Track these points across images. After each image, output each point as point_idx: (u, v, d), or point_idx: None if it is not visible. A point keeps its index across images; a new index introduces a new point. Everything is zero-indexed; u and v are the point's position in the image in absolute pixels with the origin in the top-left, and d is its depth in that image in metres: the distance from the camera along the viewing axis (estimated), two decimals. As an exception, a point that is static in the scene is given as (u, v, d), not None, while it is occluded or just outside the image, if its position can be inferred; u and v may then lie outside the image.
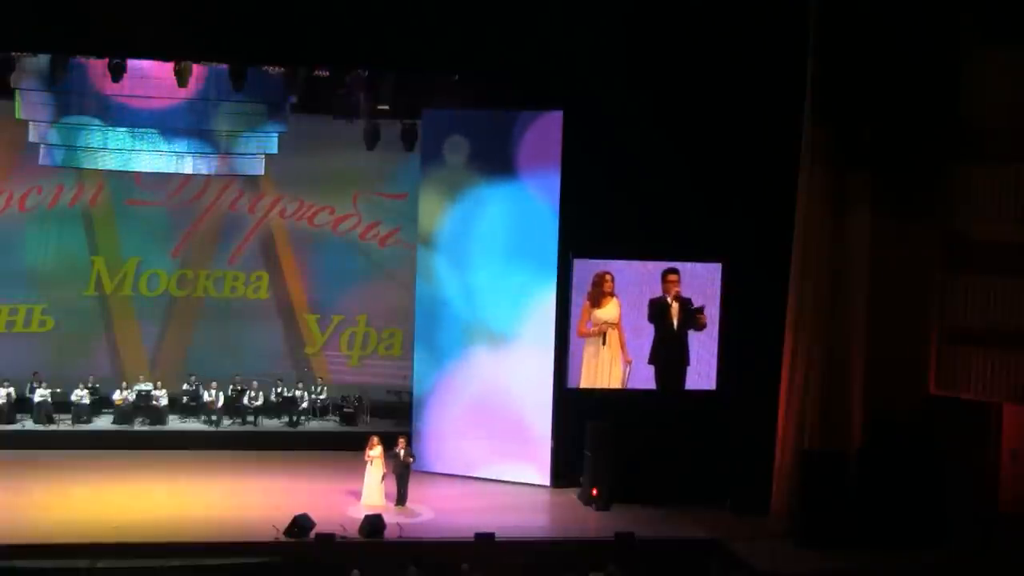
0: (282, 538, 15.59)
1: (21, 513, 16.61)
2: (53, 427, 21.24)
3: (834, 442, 16.78)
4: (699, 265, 18.70)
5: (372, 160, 22.47)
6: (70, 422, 21.39)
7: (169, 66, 19.27)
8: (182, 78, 19.19)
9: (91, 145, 20.83)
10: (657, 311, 18.79)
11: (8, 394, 21.31)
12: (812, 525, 16.38)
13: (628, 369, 18.86)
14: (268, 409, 22.38)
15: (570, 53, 17.89)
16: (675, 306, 18.78)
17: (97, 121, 20.66)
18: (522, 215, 19.34)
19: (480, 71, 19.05)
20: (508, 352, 19.49)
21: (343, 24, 17.79)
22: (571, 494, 18.81)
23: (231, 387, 22.14)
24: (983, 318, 16.01)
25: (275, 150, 21.40)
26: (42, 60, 19.41)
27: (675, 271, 18.74)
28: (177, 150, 21.00)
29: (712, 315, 18.74)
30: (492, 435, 19.56)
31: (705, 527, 16.98)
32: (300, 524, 15.74)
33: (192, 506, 17.38)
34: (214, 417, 21.93)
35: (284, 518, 15.88)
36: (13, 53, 18.96)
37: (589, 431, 18.39)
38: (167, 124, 20.74)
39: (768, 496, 17.27)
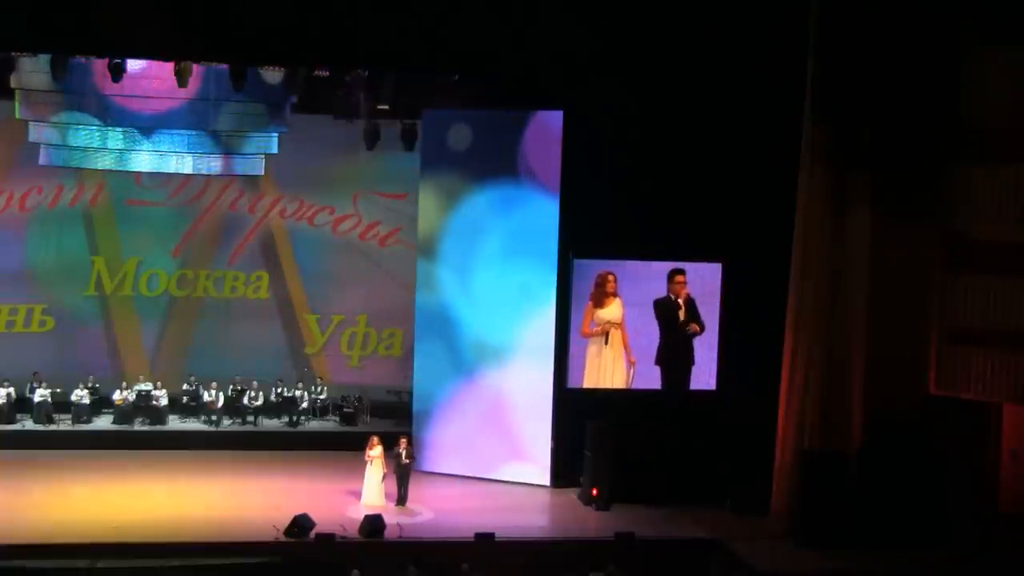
0: (282, 538, 15.58)
1: (21, 513, 16.61)
2: (53, 427, 21.23)
3: (834, 442, 16.78)
4: (700, 265, 18.71)
5: (372, 160, 22.49)
6: (70, 422, 21.38)
7: (169, 66, 19.28)
8: (182, 78, 19.21)
9: (91, 145, 20.89)
10: (663, 312, 18.79)
11: (8, 394, 21.30)
12: (812, 525, 16.37)
13: (632, 370, 18.87)
14: (268, 409, 22.37)
15: (570, 53, 17.90)
16: (683, 307, 18.78)
17: (97, 121, 20.72)
18: (522, 215, 19.33)
19: (480, 71, 19.06)
20: (508, 353, 19.47)
21: (343, 24, 17.80)
22: (571, 494, 18.80)
23: (231, 387, 22.14)
24: (983, 318, 16.00)
25: (275, 150, 21.46)
26: (42, 60, 19.41)
27: (682, 271, 18.74)
28: (177, 150, 21.05)
29: (712, 315, 18.74)
30: (492, 435, 19.55)
31: (705, 527, 16.98)
32: (300, 524, 15.74)
33: (192, 506, 17.37)
34: (214, 417, 21.92)
35: (284, 518, 15.87)
36: (13, 53, 18.97)
37: (589, 431, 18.39)
38: (167, 124, 20.80)
39: (768, 496, 17.27)
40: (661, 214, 18.27)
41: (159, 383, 22.02)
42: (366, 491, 17.56)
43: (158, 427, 21.59)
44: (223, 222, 23.16)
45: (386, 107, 20.88)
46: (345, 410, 22.51)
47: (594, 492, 18.15)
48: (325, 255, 23.36)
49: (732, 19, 17.69)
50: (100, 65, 19.36)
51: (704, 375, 18.86)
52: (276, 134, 21.27)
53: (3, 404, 21.20)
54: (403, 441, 18.03)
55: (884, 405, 16.61)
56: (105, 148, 20.88)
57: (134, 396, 21.70)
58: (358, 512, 16.79)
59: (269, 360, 22.96)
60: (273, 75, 20.26)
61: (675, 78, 18.14)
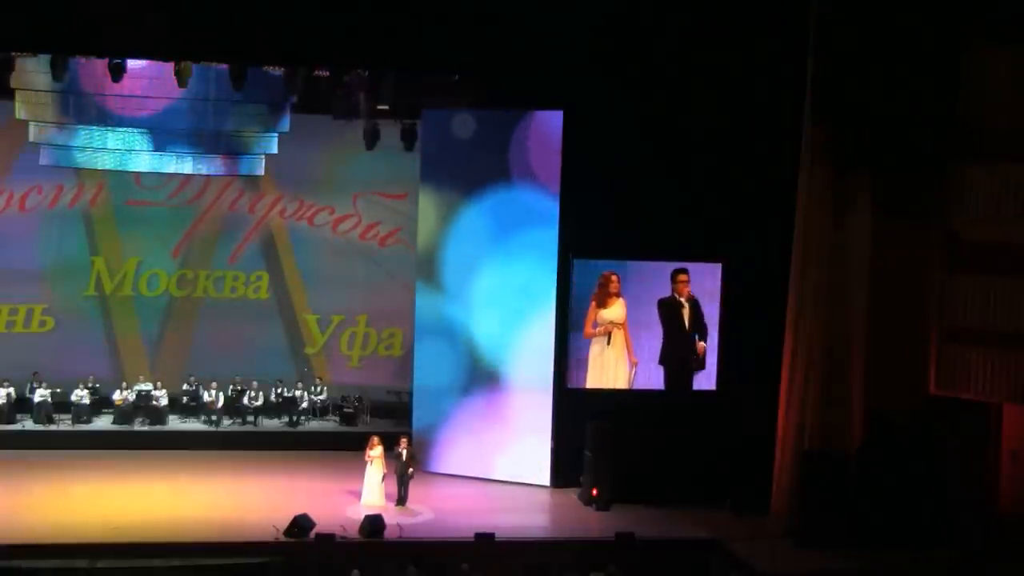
0: (282, 538, 15.58)
1: (21, 513, 16.62)
2: (53, 427, 21.24)
3: (834, 442, 16.78)
4: (700, 265, 18.71)
5: (372, 160, 22.47)
6: (70, 422, 21.39)
7: (169, 66, 19.28)
8: (182, 78, 19.20)
9: (91, 145, 20.86)
10: (667, 311, 18.79)
11: (8, 394, 21.31)
12: (812, 525, 16.37)
13: (634, 370, 18.87)
14: (268, 409, 22.38)
15: (570, 53, 17.88)
16: (687, 307, 18.78)
17: (97, 121, 20.67)
18: (522, 215, 19.33)
19: (480, 71, 19.06)
20: (508, 353, 19.48)
21: (343, 24, 17.80)
22: (571, 494, 18.81)
23: (231, 387, 22.14)
24: (983, 318, 15.99)
25: (275, 150, 21.43)
26: (42, 60, 19.40)
27: (685, 271, 18.73)
28: (177, 150, 21.03)
29: (712, 315, 18.73)
30: (492, 435, 19.56)
31: (705, 527, 16.98)
32: (300, 524, 15.74)
33: (192, 506, 17.37)
34: (214, 417, 21.92)
35: (284, 518, 15.88)
36: (13, 53, 18.96)
37: (589, 431, 18.39)
38: (167, 124, 20.76)
39: (768, 496, 17.28)
40: (661, 214, 18.26)
41: (159, 383, 22.02)
42: (366, 491, 17.56)
43: (158, 427, 21.59)
44: (223, 222, 23.17)
45: (386, 107, 20.86)
46: (345, 410, 22.51)
47: (594, 492, 18.15)
48: (325, 255, 23.36)
49: (732, 19, 17.69)
50: (100, 65, 19.33)
51: (704, 375, 18.85)
52: (276, 134, 21.25)
53: (3, 404, 21.21)
54: (403, 441, 18.03)
55: (884, 405, 16.60)
56: (105, 148, 20.85)
57: (134, 396, 21.70)
58: (358, 512, 16.80)
59: (269, 360, 22.97)
60: (276, 69, 20.20)
61: (675, 78, 18.14)
